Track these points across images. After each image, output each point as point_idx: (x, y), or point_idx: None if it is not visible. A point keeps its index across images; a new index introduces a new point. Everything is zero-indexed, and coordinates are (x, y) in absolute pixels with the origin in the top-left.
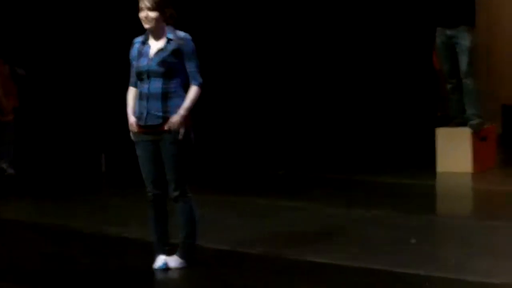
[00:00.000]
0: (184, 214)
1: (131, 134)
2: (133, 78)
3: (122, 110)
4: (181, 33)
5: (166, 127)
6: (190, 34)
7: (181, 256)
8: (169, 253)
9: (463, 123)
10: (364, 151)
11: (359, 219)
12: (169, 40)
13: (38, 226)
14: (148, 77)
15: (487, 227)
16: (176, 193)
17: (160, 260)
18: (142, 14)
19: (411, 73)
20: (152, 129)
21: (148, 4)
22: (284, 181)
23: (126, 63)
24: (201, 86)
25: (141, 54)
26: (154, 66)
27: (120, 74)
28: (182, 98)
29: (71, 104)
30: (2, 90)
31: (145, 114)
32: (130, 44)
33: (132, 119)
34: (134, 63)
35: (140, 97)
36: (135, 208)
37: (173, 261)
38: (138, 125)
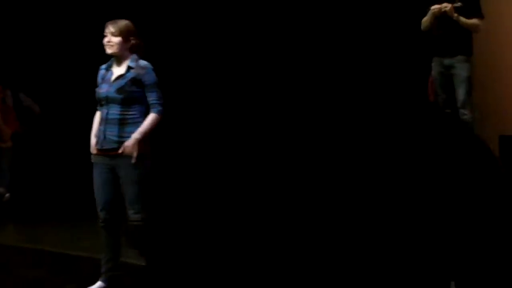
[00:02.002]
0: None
1: (91, 156)
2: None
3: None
4: (143, 62)
5: (120, 150)
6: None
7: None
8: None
9: None
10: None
11: None
12: (129, 68)
13: (28, 251)
14: (107, 103)
15: None
16: (135, 217)
17: (96, 285)
18: (105, 39)
19: (407, 102)
20: (108, 152)
21: (112, 30)
22: None
23: None
24: (160, 115)
25: (104, 80)
26: (112, 93)
27: None
28: (140, 125)
29: (68, 130)
30: (1, 116)
31: (102, 138)
32: None
33: (93, 141)
34: (97, 89)
35: (100, 121)
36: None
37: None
38: (96, 148)
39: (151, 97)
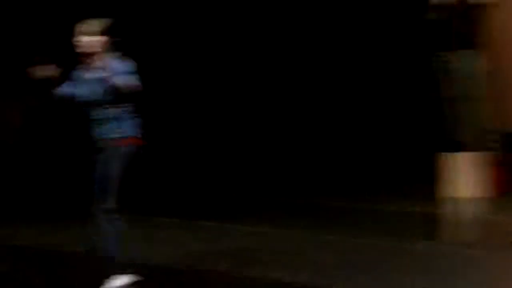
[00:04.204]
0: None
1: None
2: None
3: None
4: (121, 64)
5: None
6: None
7: None
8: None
9: (468, 148)
10: (368, 176)
11: (334, 244)
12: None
13: (30, 249)
14: (96, 103)
15: (481, 256)
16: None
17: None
18: (79, 40)
19: (418, 96)
20: (102, 149)
21: (88, 30)
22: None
23: None
24: (139, 86)
25: (84, 80)
26: (95, 95)
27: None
28: (131, 119)
29: (72, 128)
30: None
31: (99, 136)
32: None
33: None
34: (76, 90)
35: (95, 122)
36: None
37: None
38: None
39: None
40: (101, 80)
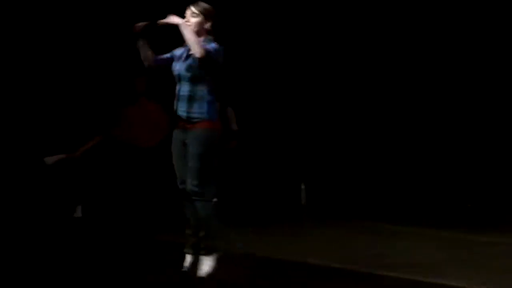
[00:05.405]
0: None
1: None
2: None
3: (325, 142)
4: (213, 44)
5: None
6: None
7: None
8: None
9: None
10: None
11: None
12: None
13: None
14: (179, 80)
15: None
16: (192, 189)
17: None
18: (187, 20)
19: None
20: (179, 127)
21: (193, 10)
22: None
23: None
24: (205, 50)
25: (180, 57)
26: (183, 71)
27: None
28: (207, 102)
29: (272, 135)
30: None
31: (175, 113)
32: None
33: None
34: (173, 64)
35: (175, 97)
36: (336, 238)
37: None
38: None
39: None
40: (188, 55)
